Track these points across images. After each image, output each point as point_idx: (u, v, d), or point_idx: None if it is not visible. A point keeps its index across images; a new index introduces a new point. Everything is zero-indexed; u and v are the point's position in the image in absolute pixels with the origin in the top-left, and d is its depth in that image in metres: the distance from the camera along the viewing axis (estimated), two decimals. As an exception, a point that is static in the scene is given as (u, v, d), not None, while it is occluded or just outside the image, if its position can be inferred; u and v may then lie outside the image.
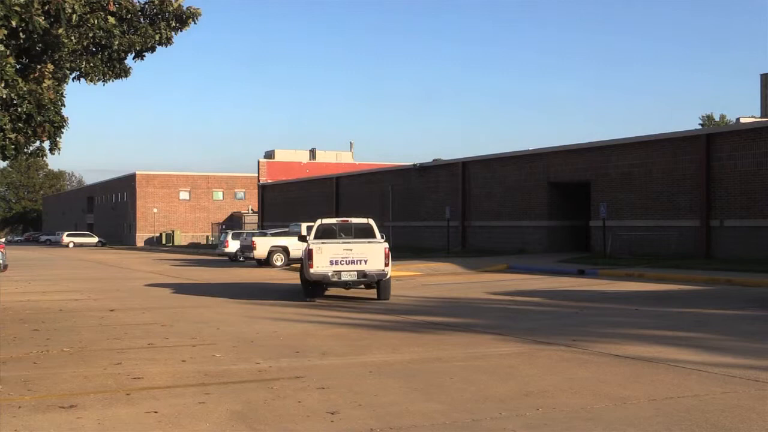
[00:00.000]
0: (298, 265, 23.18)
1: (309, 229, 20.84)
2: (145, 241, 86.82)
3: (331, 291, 20.49)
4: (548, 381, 8.86)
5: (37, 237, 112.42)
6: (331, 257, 18.39)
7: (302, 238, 20.71)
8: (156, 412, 7.62)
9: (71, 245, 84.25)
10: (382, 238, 19.75)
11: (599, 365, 9.81)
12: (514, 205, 39.12)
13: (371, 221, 20.31)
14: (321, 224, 20.00)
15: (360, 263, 18.44)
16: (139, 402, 8.06)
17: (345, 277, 18.44)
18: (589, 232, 35.23)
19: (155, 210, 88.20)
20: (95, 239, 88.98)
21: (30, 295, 21.53)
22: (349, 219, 21.20)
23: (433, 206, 44.72)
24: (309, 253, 18.48)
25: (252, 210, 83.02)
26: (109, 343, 12.24)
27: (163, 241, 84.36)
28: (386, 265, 18.59)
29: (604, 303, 17.42)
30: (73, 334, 13.32)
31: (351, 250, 18.54)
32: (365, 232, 19.85)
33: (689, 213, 30.28)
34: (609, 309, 16.25)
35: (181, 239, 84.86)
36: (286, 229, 38.97)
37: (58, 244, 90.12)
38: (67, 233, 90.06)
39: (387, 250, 18.80)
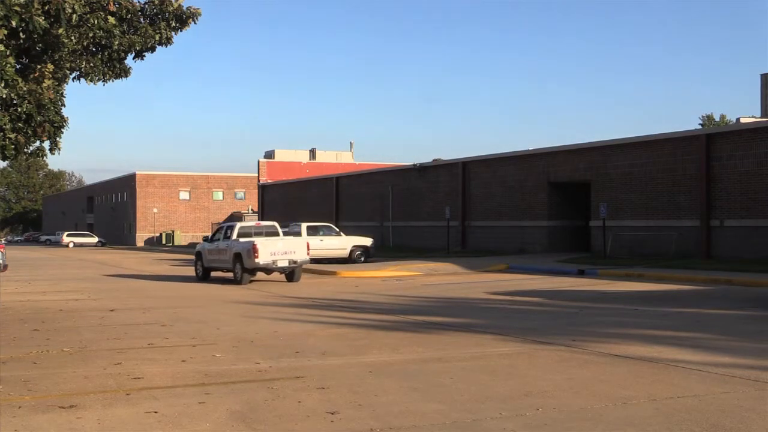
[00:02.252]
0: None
1: (223, 228, 26.90)
2: (145, 241, 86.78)
3: (258, 277, 25.55)
4: (548, 381, 8.86)
5: (37, 237, 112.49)
6: (270, 250, 24.17)
7: (206, 239, 28.12)
8: (156, 412, 7.62)
9: (71, 245, 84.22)
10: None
11: (599, 365, 9.81)
12: (514, 205, 39.08)
13: (276, 224, 27.71)
14: (241, 228, 26.33)
15: (291, 253, 24.57)
16: (139, 402, 8.06)
17: (280, 263, 24.37)
18: (589, 232, 35.21)
19: (155, 210, 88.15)
20: (95, 239, 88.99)
21: (30, 295, 21.52)
22: (260, 222, 28.21)
23: (433, 206, 44.68)
24: (254, 247, 23.95)
25: (252, 210, 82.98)
26: (109, 343, 12.24)
27: (163, 241, 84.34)
28: (307, 255, 25.17)
29: (604, 303, 17.41)
30: (73, 334, 13.32)
31: (284, 244, 24.81)
32: (272, 233, 26.45)
33: (689, 213, 30.26)
34: (609, 309, 16.25)
35: (181, 239, 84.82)
36: (286, 229, 38.93)
37: (58, 244, 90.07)
38: (67, 233, 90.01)
39: (308, 244, 25.82)
